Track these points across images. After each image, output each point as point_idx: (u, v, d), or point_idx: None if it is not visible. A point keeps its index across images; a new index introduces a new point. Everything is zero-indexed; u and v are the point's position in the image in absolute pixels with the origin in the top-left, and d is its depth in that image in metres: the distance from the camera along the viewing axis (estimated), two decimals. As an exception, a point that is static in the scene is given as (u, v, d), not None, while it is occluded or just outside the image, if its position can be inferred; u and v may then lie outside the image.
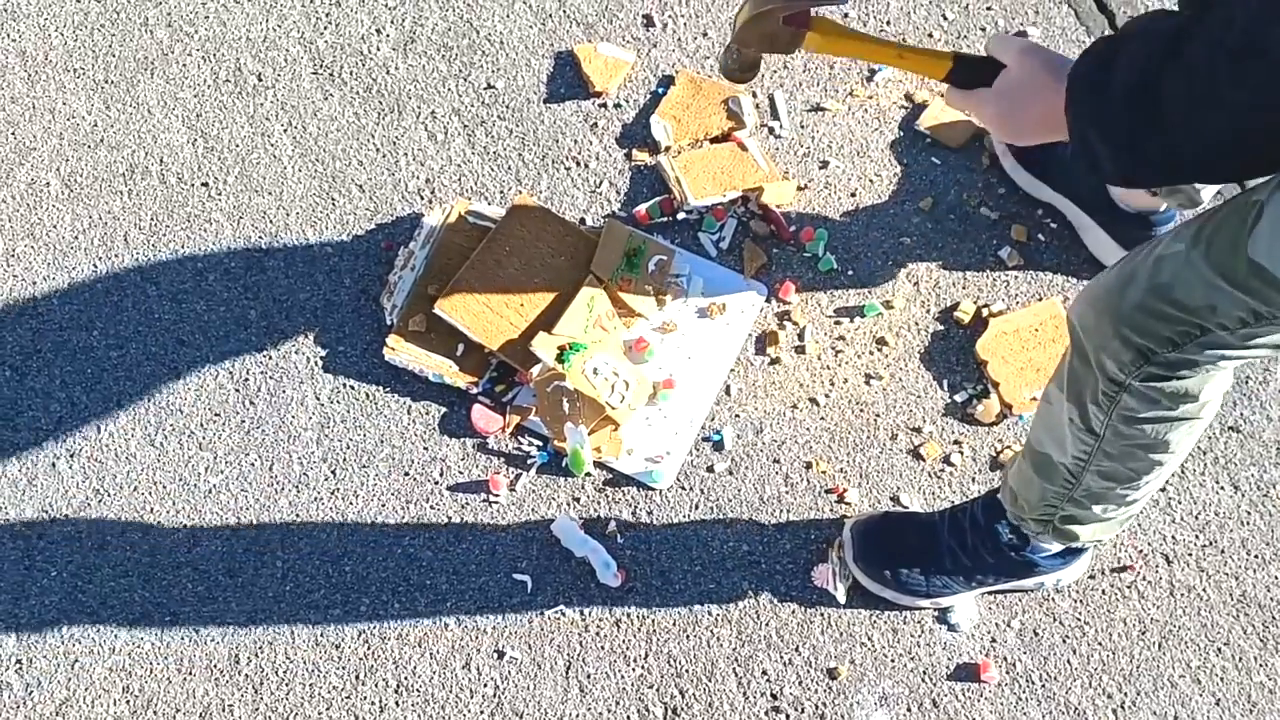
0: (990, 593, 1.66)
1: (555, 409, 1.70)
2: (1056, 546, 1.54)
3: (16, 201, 1.90)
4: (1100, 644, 1.67)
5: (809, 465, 1.75)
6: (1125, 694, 1.64)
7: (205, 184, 1.91)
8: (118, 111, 1.95)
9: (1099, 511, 1.42)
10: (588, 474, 1.72)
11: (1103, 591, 1.69)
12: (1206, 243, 1.11)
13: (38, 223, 1.88)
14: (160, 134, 1.94)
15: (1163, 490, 1.73)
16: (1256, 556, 1.71)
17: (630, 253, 1.79)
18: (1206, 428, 1.35)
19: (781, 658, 1.65)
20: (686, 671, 1.65)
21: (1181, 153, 1.00)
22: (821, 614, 1.67)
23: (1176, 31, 0.97)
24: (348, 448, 1.76)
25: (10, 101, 1.96)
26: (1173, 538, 1.72)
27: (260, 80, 1.97)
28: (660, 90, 1.95)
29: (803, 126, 1.94)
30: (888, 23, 2.00)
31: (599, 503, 1.72)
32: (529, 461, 1.74)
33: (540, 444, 1.74)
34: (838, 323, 1.82)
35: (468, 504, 1.73)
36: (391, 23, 2.01)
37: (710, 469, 1.74)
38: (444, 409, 1.77)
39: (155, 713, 1.63)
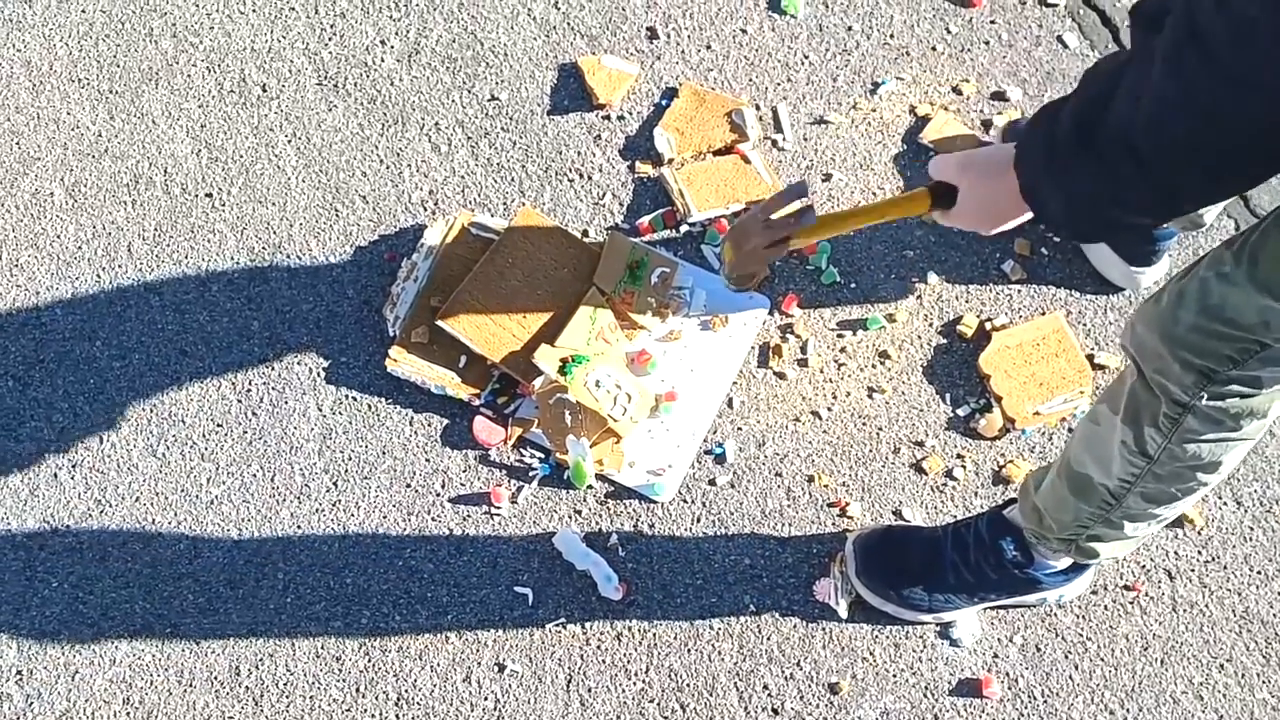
0: (992, 608, 1.66)
1: (557, 421, 1.70)
2: (1064, 563, 1.54)
3: (20, 211, 1.90)
4: (1102, 660, 1.66)
5: (811, 478, 1.75)
6: (1127, 710, 1.64)
7: (209, 194, 1.91)
8: (122, 122, 1.95)
9: (1128, 530, 1.41)
10: (589, 487, 1.72)
11: (1105, 607, 1.68)
12: (1250, 260, 1.11)
13: (41, 233, 1.89)
14: (164, 144, 1.94)
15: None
16: (1259, 573, 1.71)
17: (633, 265, 1.79)
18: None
19: (783, 672, 1.65)
20: (688, 685, 1.65)
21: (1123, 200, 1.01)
22: (823, 628, 1.67)
23: (1076, 114, 0.99)
24: (349, 459, 1.76)
25: (15, 111, 1.96)
26: (1175, 553, 1.72)
27: (265, 91, 1.97)
28: (664, 102, 1.96)
29: (806, 139, 1.94)
30: (891, 35, 2.00)
31: (601, 515, 1.72)
32: (531, 474, 1.74)
33: (542, 456, 1.74)
34: (840, 336, 1.82)
35: (469, 516, 1.73)
36: (396, 34, 2.01)
37: (712, 482, 1.74)
38: (446, 421, 1.77)
39: (155, 724, 1.63)
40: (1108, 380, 1.79)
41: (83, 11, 2.03)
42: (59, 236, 1.89)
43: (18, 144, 1.94)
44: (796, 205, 1.30)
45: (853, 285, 1.85)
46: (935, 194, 1.26)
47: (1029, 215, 1.14)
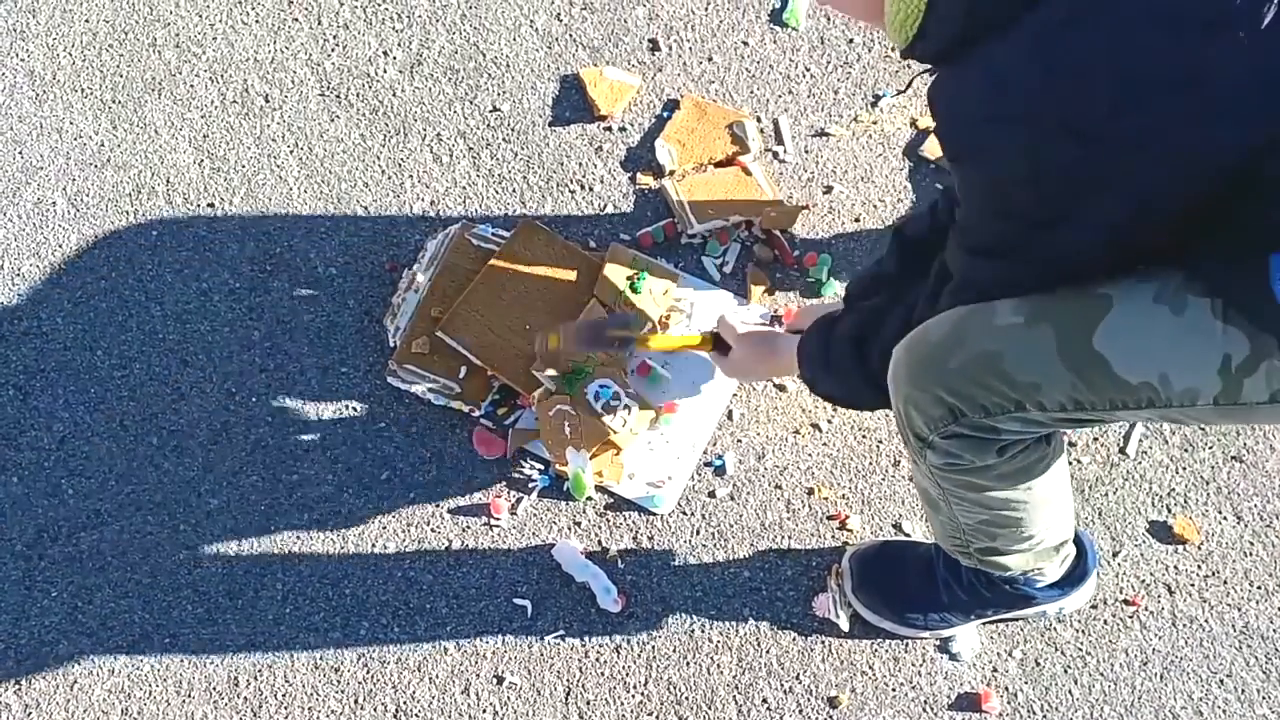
0: (991, 623, 1.66)
1: (557, 432, 1.70)
2: (1052, 577, 1.54)
3: (23, 220, 1.91)
4: (1102, 674, 1.66)
5: (811, 491, 1.74)
6: (1127, 725, 1.64)
7: (211, 204, 1.91)
8: (125, 131, 1.96)
9: (1003, 546, 1.43)
10: (589, 498, 1.72)
11: (1105, 622, 1.68)
12: (1051, 323, 1.13)
13: (44, 242, 1.89)
14: (167, 154, 1.94)
15: (1165, 521, 1.73)
16: (1260, 588, 1.70)
17: (632, 278, 1.79)
18: (1051, 477, 1.37)
19: (782, 685, 1.65)
20: (686, 699, 1.64)
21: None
22: (822, 642, 1.67)
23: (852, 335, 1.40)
24: (349, 470, 1.76)
25: (18, 121, 1.97)
26: (1175, 568, 1.71)
27: (267, 101, 1.98)
28: (665, 114, 1.96)
29: (807, 151, 1.94)
30: (893, 48, 2.00)
31: (600, 527, 1.72)
32: (530, 485, 1.74)
33: (541, 468, 1.74)
34: (841, 348, 1.82)
35: (468, 527, 1.73)
36: (398, 45, 2.02)
37: (712, 494, 1.74)
38: (446, 432, 1.77)
39: (154, 735, 1.63)
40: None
41: (86, 22, 2.03)
42: (61, 246, 1.89)
43: (20, 153, 1.95)
44: (621, 332, 1.61)
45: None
46: (715, 342, 1.64)
47: (772, 378, 1.74)
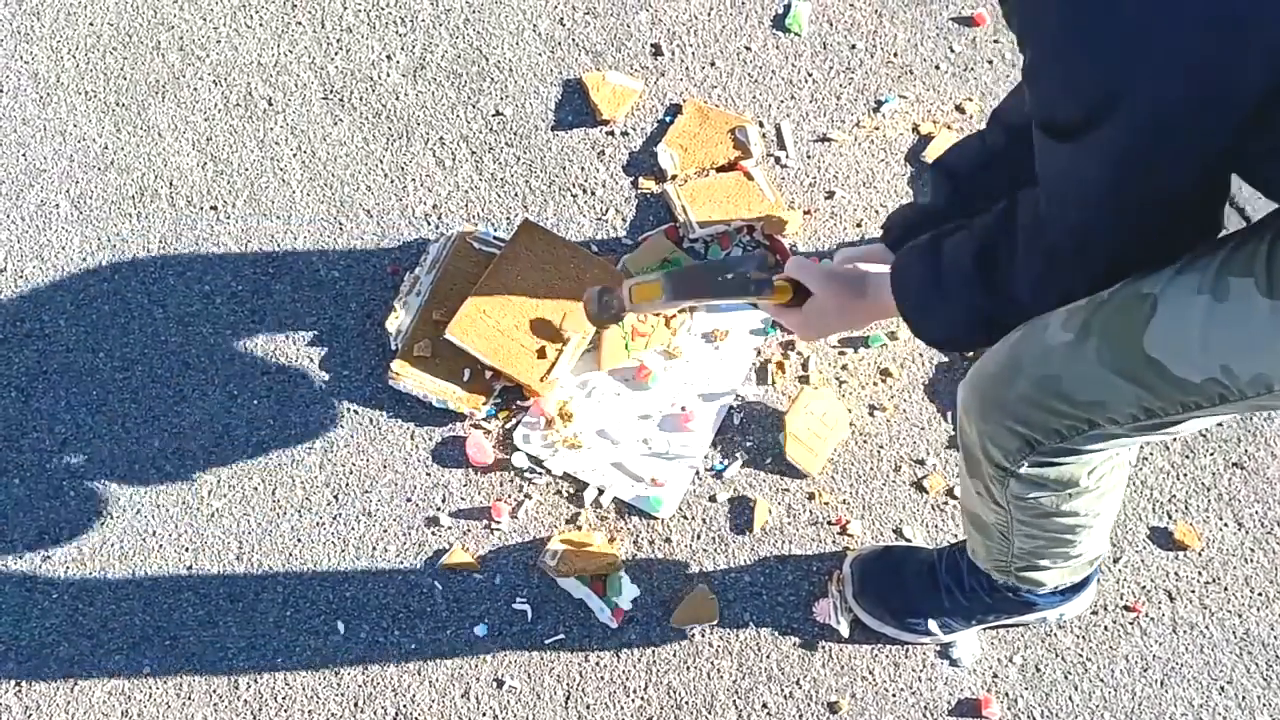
0: (992, 628, 1.66)
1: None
2: (1050, 586, 1.54)
3: (26, 223, 1.91)
4: (1102, 680, 1.66)
5: (811, 496, 1.75)
6: (1127, 732, 1.63)
7: (214, 207, 1.92)
8: (128, 134, 1.96)
9: (1048, 564, 1.42)
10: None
11: (1105, 628, 1.68)
12: (1099, 336, 1.09)
13: (47, 244, 1.90)
14: (170, 157, 1.95)
15: (1165, 527, 1.73)
16: (1260, 594, 1.70)
17: (667, 261, 1.81)
18: (1116, 495, 1.34)
19: (782, 690, 1.65)
20: (686, 703, 1.64)
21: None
22: (823, 647, 1.66)
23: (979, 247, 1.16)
24: (350, 472, 1.76)
25: (21, 123, 1.97)
26: (1176, 574, 1.71)
27: (270, 105, 1.98)
28: (667, 119, 1.96)
29: (809, 156, 1.94)
30: (895, 54, 2.00)
31: (600, 531, 1.72)
32: (531, 487, 1.74)
33: (539, 470, 1.74)
34: (841, 353, 1.82)
35: (469, 530, 1.73)
36: (402, 49, 2.02)
37: (712, 498, 1.74)
38: (447, 435, 1.77)
39: (154, 737, 1.63)
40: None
41: (91, 24, 2.04)
42: (64, 248, 1.89)
43: (24, 155, 1.95)
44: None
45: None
46: (795, 289, 1.38)
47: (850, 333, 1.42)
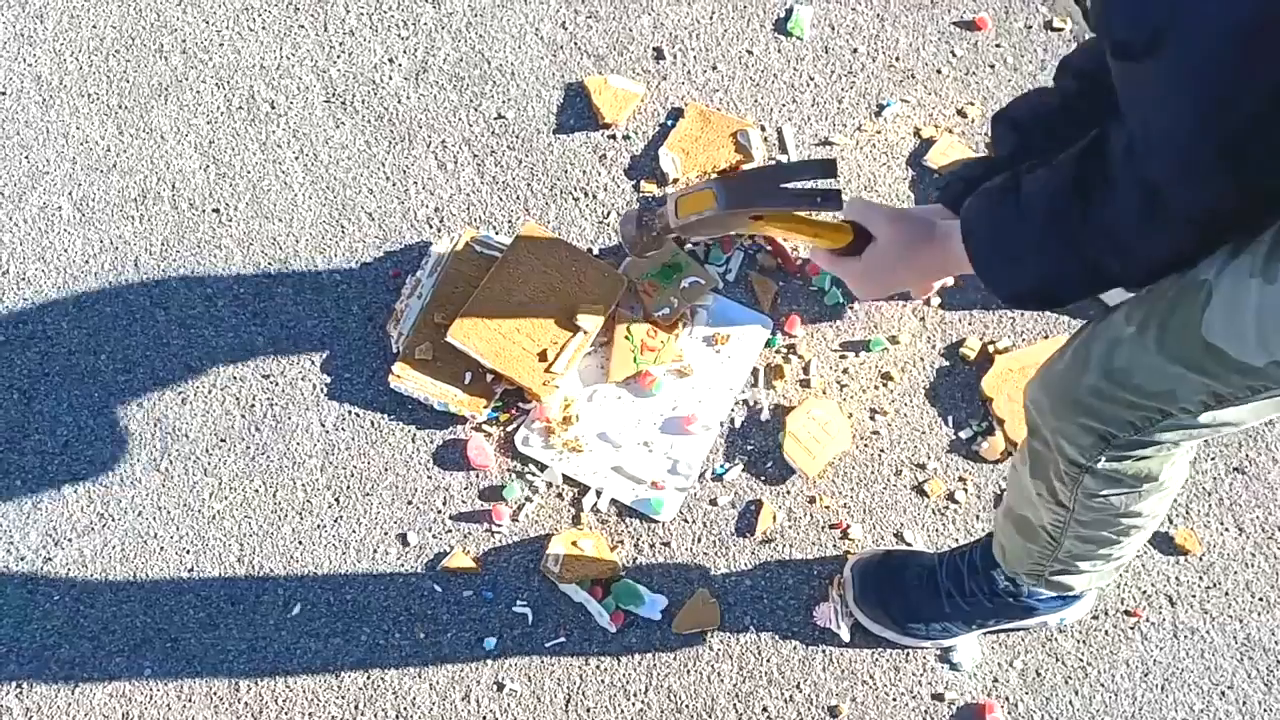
0: (992, 633, 1.66)
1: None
2: (1078, 589, 1.54)
3: (28, 225, 1.91)
4: (1103, 685, 1.66)
5: (813, 500, 1.75)
6: (1128, 737, 1.63)
7: (216, 210, 1.92)
8: (131, 137, 1.97)
9: (1087, 566, 1.41)
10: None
11: (1106, 632, 1.68)
12: (1158, 327, 1.08)
13: (49, 246, 1.90)
14: (173, 159, 1.95)
15: (1166, 532, 1.73)
16: (1261, 600, 1.70)
17: (669, 265, 1.80)
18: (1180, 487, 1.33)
19: (782, 694, 1.65)
20: (687, 707, 1.64)
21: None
22: (823, 651, 1.66)
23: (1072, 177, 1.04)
24: (351, 475, 1.76)
25: (24, 125, 1.97)
26: (1176, 579, 1.71)
27: (273, 108, 1.98)
28: (669, 122, 1.96)
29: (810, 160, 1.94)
30: (896, 58, 2.01)
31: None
32: (532, 490, 1.74)
33: (527, 471, 1.74)
34: (843, 357, 1.82)
35: (470, 533, 1.73)
36: (404, 53, 2.02)
37: (713, 502, 1.74)
38: (448, 438, 1.77)
39: (154, 739, 1.63)
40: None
41: (94, 27, 2.04)
42: (66, 250, 1.90)
43: (27, 157, 1.95)
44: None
45: (855, 306, 1.85)
46: (856, 233, 1.22)
47: (909, 292, 1.21)
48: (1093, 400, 1.15)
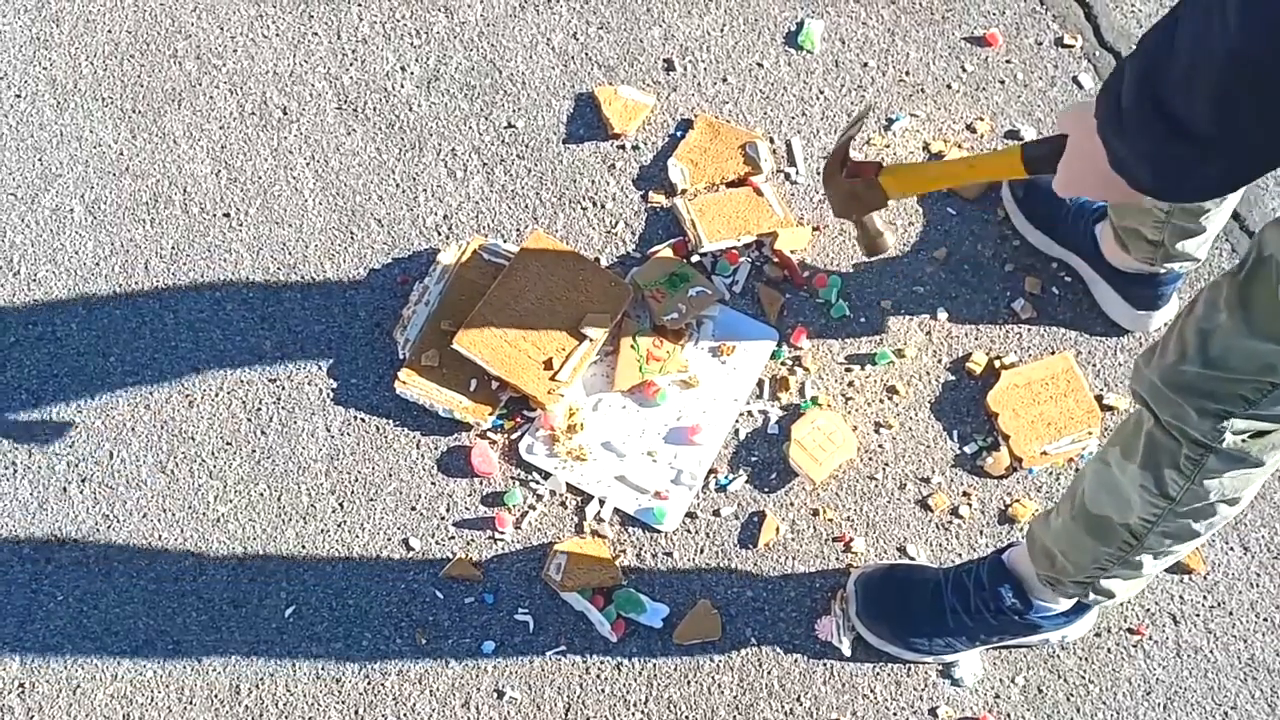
0: (995, 649, 1.65)
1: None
2: (1063, 606, 1.53)
3: (40, 227, 1.93)
4: (1104, 703, 1.65)
5: (816, 512, 1.74)
6: (1130, 756, 1.62)
7: (227, 214, 1.93)
8: (144, 141, 1.98)
9: (1146, 568, 1.40)
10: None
11: (1108, 650, 1.67)
12: (1242, 311, 1.11)
13: (60, 248, 1.91)
14: (185, 164, 1.96)
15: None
16: (1266, 620, 1.69)
17: (676, 274, 1.82)
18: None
19: (783, 707, 1.64)
20: (686, 718, 1.64)
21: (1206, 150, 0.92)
22: (824, 664, 1.66)
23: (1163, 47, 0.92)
24: (356, 480, 1.77)
25: (39, 128, 1.99)
26: (1180, 598, 1.70)
27: (285, 114, 2.00)
28: (678, 133, 1.97)
29: (819, 173, 1.94)
30: (906, 72, 2.01)
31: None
32: (535, 498, 1.74)
33: (542, 477, 1.75)
34: (848, 370, 1.82)
35: (473, 540, 1.73)
36: (415, 61, 2.03)
37: (716, 513, 1.74)
38: (453, 445, 1.78)
39: (155, 741, 1.63)
40: (1116, 421, 1.78)
41: (109, 31, 2.06)
42: (77, 252, 1.91)
43: (40, 160, 1.97)
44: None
45: (862, 319, 1.85)
46: (1028, 153, 1.17)
47: (1120, 191, 1.04)
48: (1202, 383, 1.18)
